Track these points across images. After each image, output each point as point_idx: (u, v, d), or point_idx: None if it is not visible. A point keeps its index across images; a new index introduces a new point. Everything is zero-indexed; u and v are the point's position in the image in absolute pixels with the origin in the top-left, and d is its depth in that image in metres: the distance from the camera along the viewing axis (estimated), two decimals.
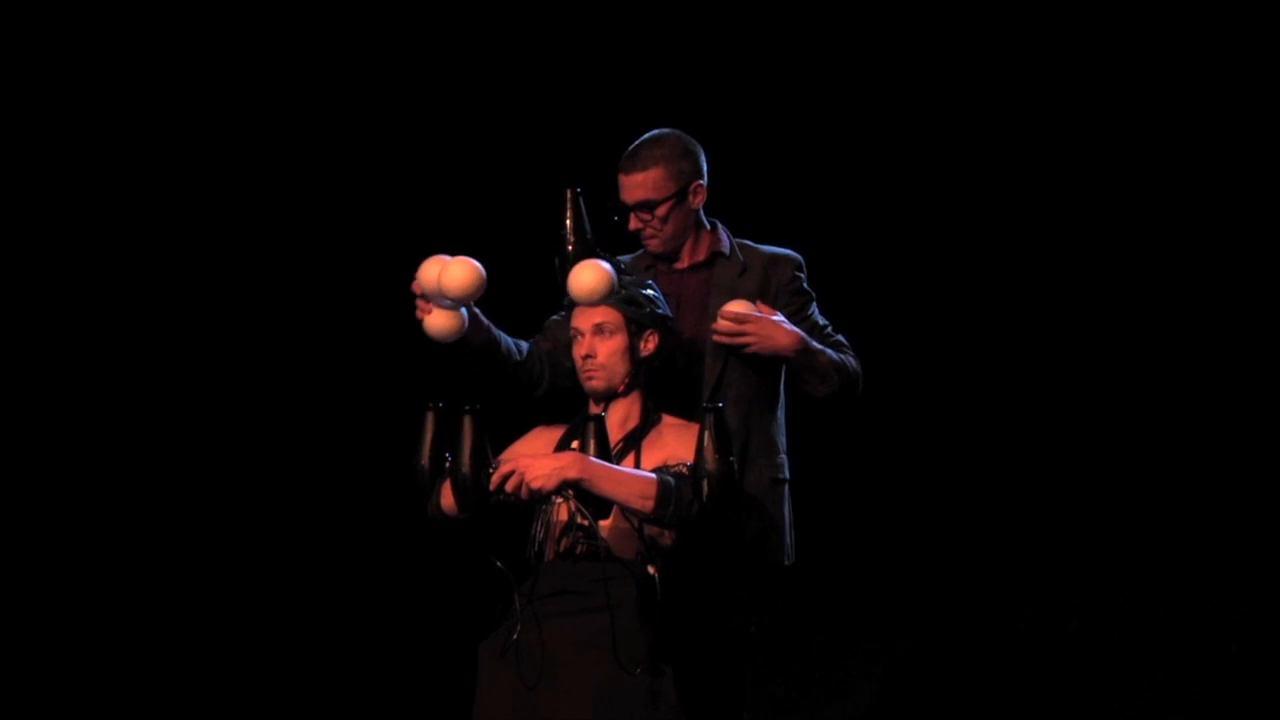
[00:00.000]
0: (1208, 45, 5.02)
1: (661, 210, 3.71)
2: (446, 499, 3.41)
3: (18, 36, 5.35)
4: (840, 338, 3.80)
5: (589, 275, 3.50)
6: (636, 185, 3.71)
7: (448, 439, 3.34)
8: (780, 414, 3.79)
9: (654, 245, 3.77)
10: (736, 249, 3.80)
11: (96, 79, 5.40)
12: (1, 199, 5.39)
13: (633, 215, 3.73)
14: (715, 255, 3.78)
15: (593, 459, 3.27)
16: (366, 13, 5.45)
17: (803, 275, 3.80)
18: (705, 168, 3.77)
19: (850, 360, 3.75)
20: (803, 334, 3.66)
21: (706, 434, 3.26)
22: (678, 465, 3.37)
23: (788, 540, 3.75)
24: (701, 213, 3.78)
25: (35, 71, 5.38)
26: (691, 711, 3.38)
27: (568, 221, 3.65)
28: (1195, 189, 5.07)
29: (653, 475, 3.31)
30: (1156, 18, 5.05)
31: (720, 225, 3.83)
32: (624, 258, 3.77)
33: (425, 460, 3.39)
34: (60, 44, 5.38)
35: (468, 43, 5.44)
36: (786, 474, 3.77)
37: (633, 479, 3.29)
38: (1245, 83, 5.01)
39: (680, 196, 3.72)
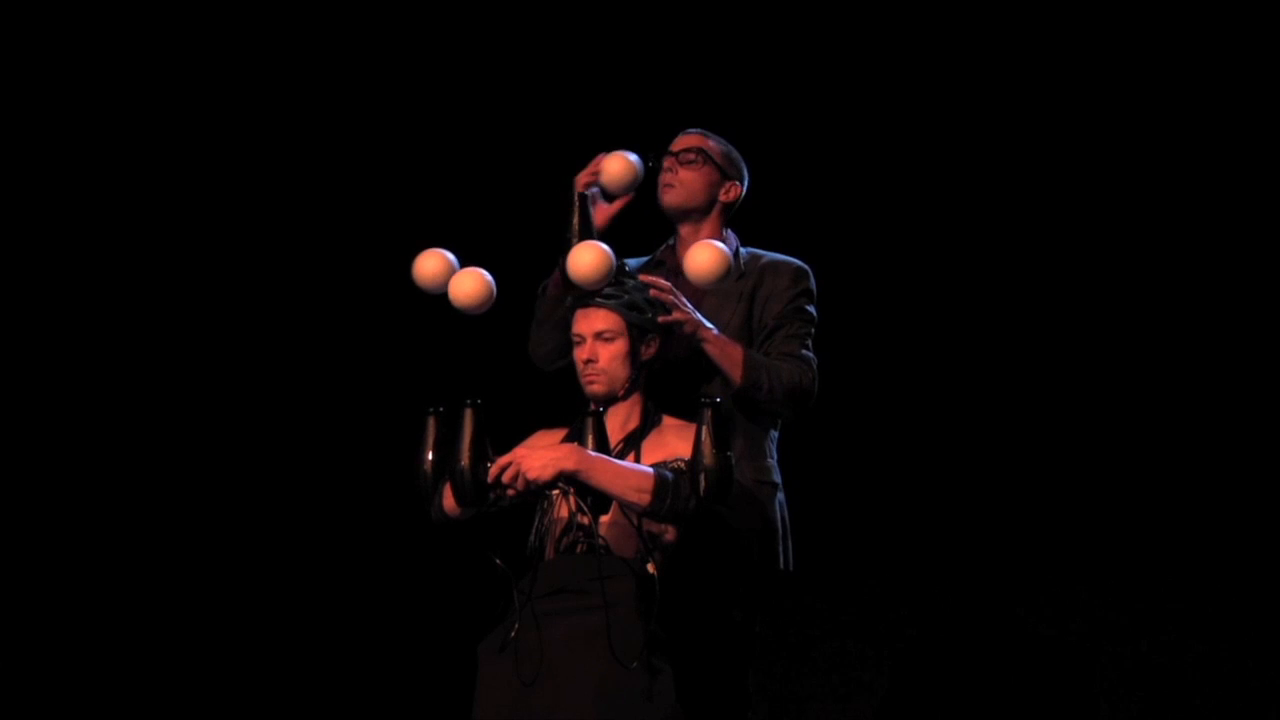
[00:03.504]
0: (1208, 45, 5.03)
1: (697, 164, 3.80)
2: (448, 501, 3.41)
3: (18, 37, 5.37)
4: (806, 353, 3.76)
5: (588, 255, 3.52)
6: (689, 137, 3.85)
7: (449, 443, 3.34)
8: (769, 421, 3.79)
9: (671, 196, 3.83)
10: (740, 254, 3.84)
11: (96, 79, 5.42)
12: (1, 199, 5.41)
13: (668, 158, 3.81)
14: None
15: (590, 452, 3.29)
16: (368, 12, 5.46)
17: (803, 288, 3.80)
18: (745, 185, 3.88)
19: (787, 370, 3.70)
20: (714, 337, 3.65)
21: (704, 429, 3.26)
22: (675, 461, 3.39)
23: (781, 545, 3.76)
24: (721, 221, 3.86)
25: (35, 71, 5.40)
26: (693, 710, 3.38)
27: (574, 222, 3.68)
28: (1195, 189, 5.07)
29: (650, 469, 3.32)
30: (1156, 18, 5.07)
31: (731, 233, 3.87)
32: (631, 262, 3.80)
33: (427, 465, 3.40)
34: (60, 44, 5.40)
35: (473, 41, 5.45)
36: (775, 478, 3.77)
37: (630, 472, 3.30)
38: (1245, 83, 5.02)
39: (720, 171, 3.83)
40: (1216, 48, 5.02)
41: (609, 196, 3.80)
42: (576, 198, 3.68)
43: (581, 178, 3.76)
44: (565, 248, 3.62)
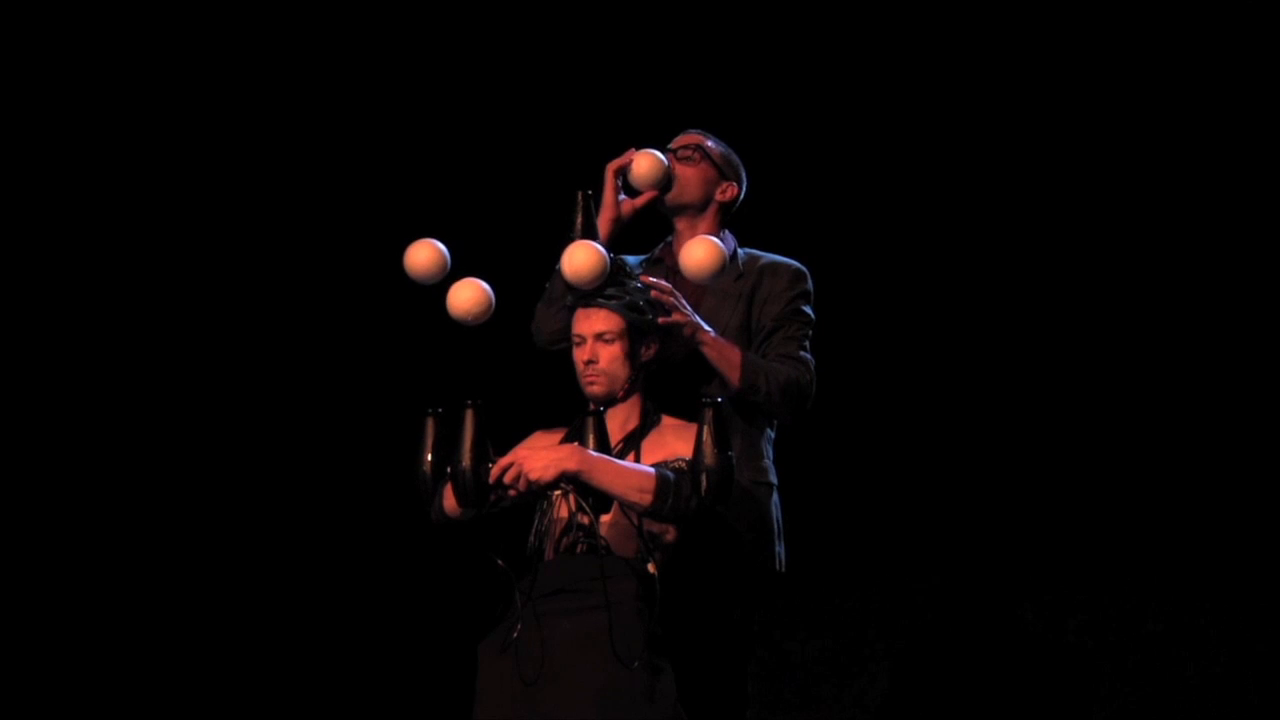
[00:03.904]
0: (1208, 45, 5.04)
1: (695, 161, 3.85)
2: (449, 502, 3.41)
3: (18, 36, 5.37)
4: (804, 355, 3.79)
5: (582, 255, 3.53)
6: (687, 136, 3.92)
7: (448, 444, 3.34)
8: (766, 421, 3.82)
9: (671, 193, 3.88)
10: (739, 255, 3.86)
11: (96, 79, 5.42)
12: (1, 199, 5.41)
13: (668, 156, 3.86)
14: None
15: (591, 452, 3.29)
16: (368, 12, 5.46)
17: (801, 290, 3.83)
18: (743, 187, 3.92)
19: (785, 372, 3.73)
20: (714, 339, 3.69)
21: (705, 429, 3.27)
22: (676, 461, 3.40)
23: (778, 547, 3.78)
24: (718, 220, 3.89)
25: (35, 71, 5.40)
26: (693, 709, 3.38)
27: (578, 223, 3.69)
28: (1195, 189, 5.08)
29: (651, 469, 3.33)
30: (1156, 18, 5.08)
31: (729, 234, 3.89)
32: (629, 258, 3.82)
33: (427, 467, 3.39)
34: (60, 44, 5.40)
35: (472, 42, 5.46)
36: (772, 478, 3.79)
37: (631, 472, 3.31)
38: (1245, 83, 5.03)
39: (717, 170, 3.88)
40: (1216, 48, 5.03)
41: (630, 190, 3.85)
42: (580, 197, 3.70)
43: (613, 164, 3.84)
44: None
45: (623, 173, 3.84)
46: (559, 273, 3.72)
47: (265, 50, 5.46)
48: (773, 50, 5.31)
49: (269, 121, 5.49)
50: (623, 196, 3.86)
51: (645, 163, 3.82)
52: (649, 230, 3.96)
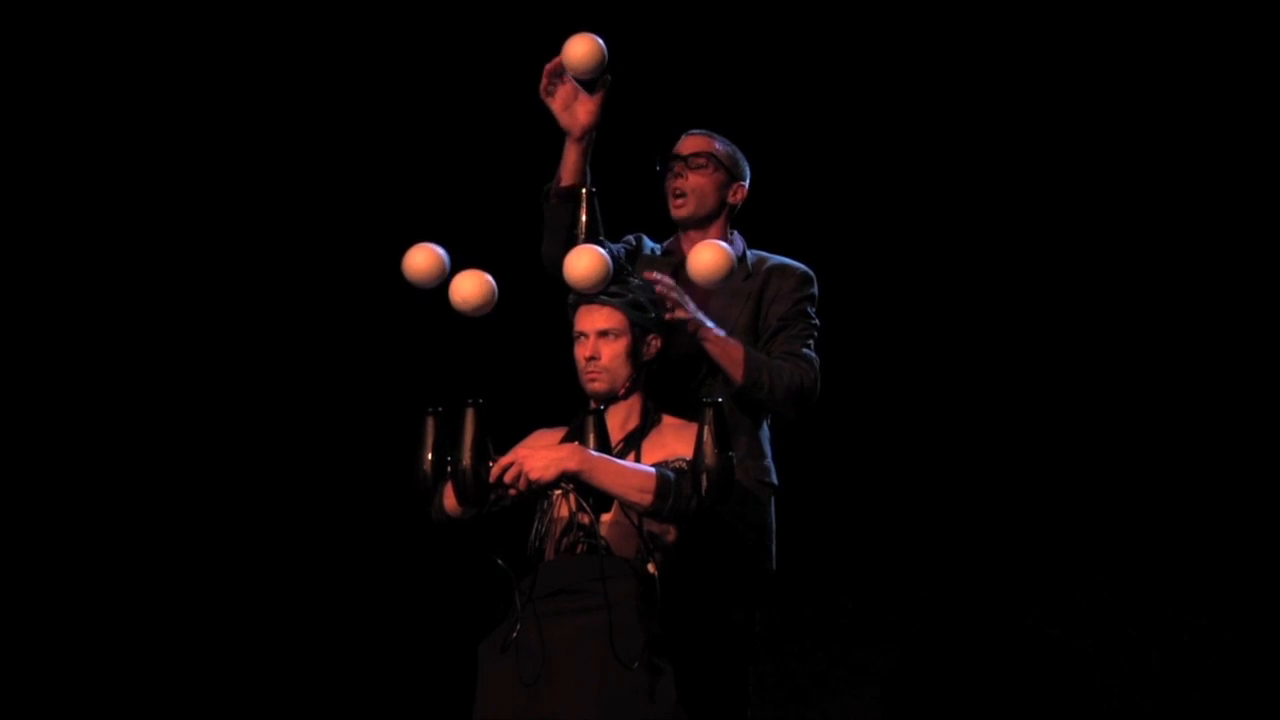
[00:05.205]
0: (1208, 45, 5.05)
1: (707, 169, 3.83)
2: (449, 501, 3.41)
3: (18, 37, 5.37)
4: (808, 353, 3.79)
5: (584, 261, 3.51)
6: (696, 140, 3.86)
7: (448, 443, 3.34)
8: (765, 421, 3.82)
9: (684, 208, 3.84)
10: (747, 256, 3.86)
11: (96, 79, 5.43)
12: (1, 199, 5.41)
13: (677, 164, 3.83)
14: None
15: (592, 451, 3.29)
16: (366, 12, 5.46)
17: (807, 293, 3.84)
18: (748, 183, 3.90)
19: (789, 369, 3.73)
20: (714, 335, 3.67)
21: (706, 428, 3.26)
22: (677, 461, 3.39)
23: (773, 546, 3.78)
24: (727, 222, 3.89)
25: (35, 71, 5.40)
26: (694, 710, 3.38)
27: (582, 220, 3.67)
28: (1195, 189, 5.09)
29: (652, 469, 3.33)
30: (1156, 18, 5.08)
31: (738, 235, 3.89)
32: (649, 242, 3.82)
33: (427, 466, 3.38)
34: (60, 44, 5.41)
35: (470, 40, 5.46)
36: (773, 479, 3.80)
37: (632, 472, 3.31)
38: (1245, 83, 5.03)
39: (728, 173, 3.85)
40: (1216, 48, 5.03)
41: (586, 85, 3.69)
42: (584, 194, 3.68)
43: (544, 84, 3.68)
44: (571, 244, 3.62)
45: (559, 77, 3.66)
46: (547, 201, 3.69)
47: (264, 51, 5.46)
48: (776, 51, 5.31)
49: (268, 122, 5.49)
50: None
51: (581, 47, 3.60)
52: (649, 228, 3.95)
